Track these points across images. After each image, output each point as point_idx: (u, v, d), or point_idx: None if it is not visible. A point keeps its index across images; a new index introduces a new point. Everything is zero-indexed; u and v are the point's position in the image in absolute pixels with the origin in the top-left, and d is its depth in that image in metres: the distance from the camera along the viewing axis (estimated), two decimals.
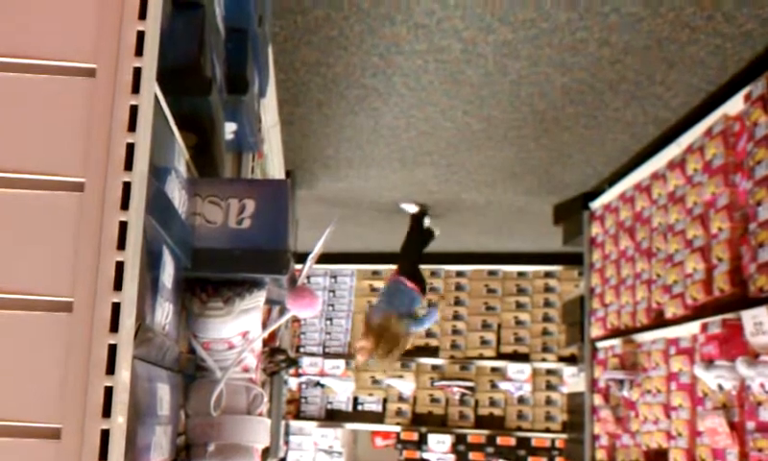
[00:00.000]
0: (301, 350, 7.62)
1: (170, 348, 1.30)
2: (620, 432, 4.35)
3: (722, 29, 3.05)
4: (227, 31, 1.78)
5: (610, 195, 4.72)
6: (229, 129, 1.98)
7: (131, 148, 0.98)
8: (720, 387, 3.20)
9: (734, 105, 3.32)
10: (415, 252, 5.64)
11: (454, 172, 4.96)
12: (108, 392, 0.94)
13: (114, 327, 0.95)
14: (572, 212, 5.29)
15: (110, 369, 0.94)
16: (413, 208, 5.72)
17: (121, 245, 0.96)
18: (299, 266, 1.71)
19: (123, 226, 0.97)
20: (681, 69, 3.41)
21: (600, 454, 4.63)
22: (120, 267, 0.96)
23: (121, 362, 0.94)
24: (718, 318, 3.28)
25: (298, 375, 7.54)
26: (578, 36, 3.17)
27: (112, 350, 0.94)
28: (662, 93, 3.66)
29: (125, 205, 0.97)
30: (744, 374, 3.02)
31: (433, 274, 7.54)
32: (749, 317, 3.03)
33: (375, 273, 7.63)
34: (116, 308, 0.95)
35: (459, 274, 7.53)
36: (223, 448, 1.53)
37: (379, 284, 7.58)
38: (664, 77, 3.49)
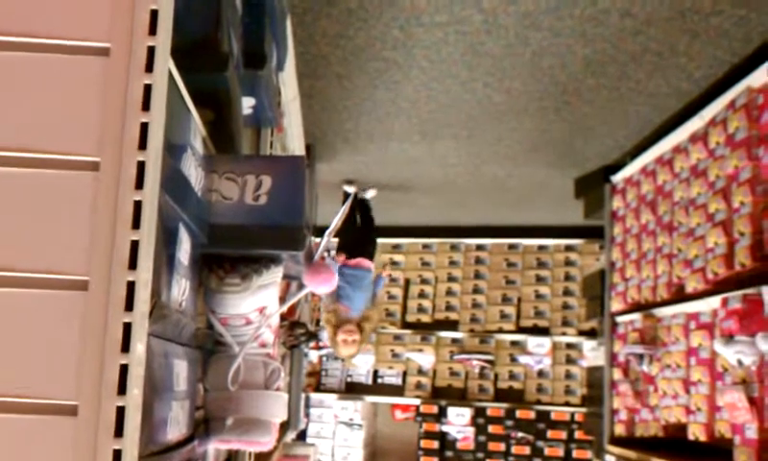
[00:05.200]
0: (321, 323, 7.65)
1: (187, 324, 1.31)
2: (639, 407, 4.35)
3: None
4: (244, 5, 1.77)
5: (631, 168, 4.68)
6: (247, 104, 1.98)
7: (145, 127, 0.98)
8: (740, 362, 3.19)
9: (758, 77, 3.27)
10: (365, 227, 5.62)
11: (474, 144, 4.93)
12: (124, 369, 0.95)
13: (129, 305, 0.96)
14: (593, 186, 5.26)
15: (126, 346, 0.95)
16: (351, 189, 5.71)
17: (136, 224, 0.97)
18: (317, 240, 1.71)
19: (138, 205, 0.97)
20: (704, 40, 3.36)
21: (619, 428, 4.63)
22: (135, 246, 0.96)
23: (136, 340, 0.95)
24: (739, 293, 3.25)
25: (318, 348, 7.58)
26: (600, 7, 3.13)
27: (127, 328, 0.95)
28: (685, 65, 3.61)
29: (139, 184, 0.97)
30: (764, 349, 3.01)
31: (453, 247, 7.54)
32: None
33: (396, 246, 7.63)
34: (131, 287, 0.96)
35: (479, 247, 7.52)
36: (241, 421, 1.54)
37: (399, 258, 7.60)
38: (687, 48, 3.45)
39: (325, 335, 5.89)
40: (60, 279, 0.97)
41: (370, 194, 5.78)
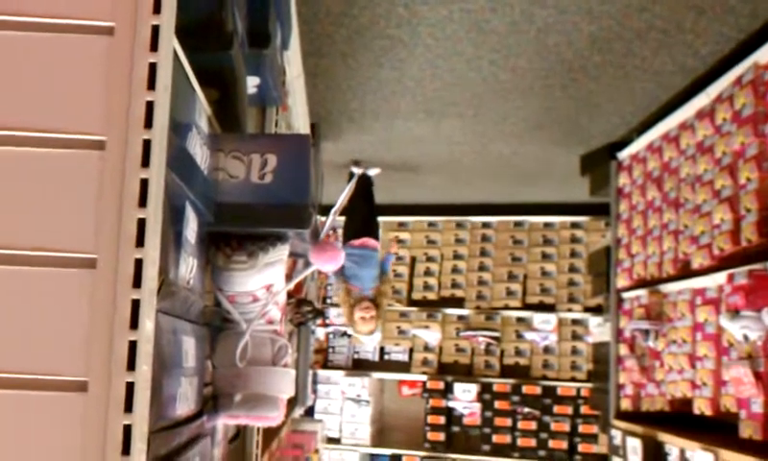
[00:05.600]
0: (328, 300, 7.68)
1: (195, 301, 1.32)
2: (645, 382, 4.37)
3: None
4: None
5: (637, 145, 4.67)
6: (252, 83, 1.98)
7: (150, 106, 0.99)
8: (745, 337, 3.19)
9: (765, 53, 3.25)
10: (367, 207, 5.63)
11: (480, 123, 4.93)
12: (133, 345, 0.96)
13: (137, 282, 0.97)
14: (599, 163, 5.25)
15: (134, 323, 0.96)
16: (358, 170, 5.71)
17: (142, 202, 0.98)
18: (323, 218, 1.72)
19: (144, 183, 0.98)
20: (710, 17, 3.34)
21: (625, 403, 4.65)
22: (142, 224, 0.98)
23: (144, 316, 0.97)
24: (745, 268, 3.25)
25: (325, 325, 7.62)
26: None
27: (136, 304, 0.97)
28: (692, 41, 3.59)
29: (145, 162, 0.99)
30: None
31: (459, 225, 7.55)
32: None
33: (401, 224, 7.64)
34: (139, 264, 0.97)
35: (485, 225, 7.52)
36: (249, 397, 1.56)
37: (405, 236, 7.61)
38: (694, 25, 3.43)
39: (340, 315, 5.93)
40: (67, 256, 0.98)
41: (373, 171, 5.77)
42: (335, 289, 5.35)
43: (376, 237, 5.43)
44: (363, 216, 5.51)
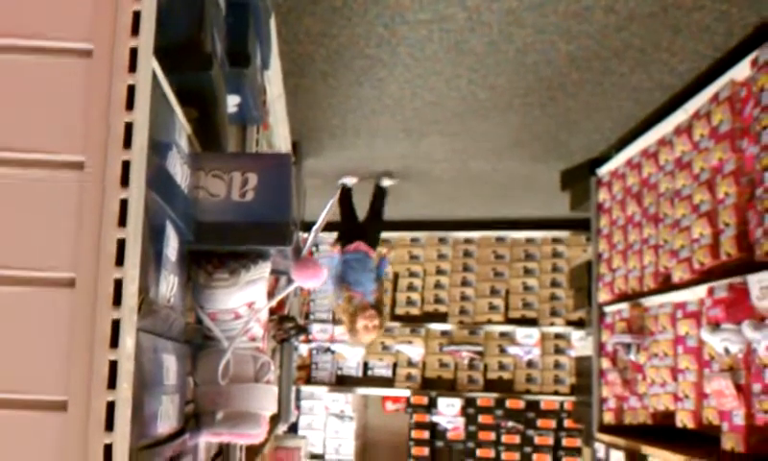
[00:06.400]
0: (311, 316, 7.68)
1: (176, 319, 1.32)
2: (627, 395, 4.39)
3: None
4: (227, 5, 1.79)
5: (617, 161, 4.71)
6: (232, 102, 1.99)
7: (129, 126, 1.00)
8: (726, 350, 3.22)
9: (741, 70, 3.30)
10: (372, 216, 5.63)
11: (460, 141, 4.95)
12: (113, 364, 0.96)
13: (117, 301, 0.97)
14: (579, 179, 5.29)
15: (114, 342, 0.97)
16: (350, 181, 5.71)
17: (122, 222, 0.99)
18: (305, 235, 1.73)
19: (124, 203, 0.99)
20: (686, 35, 3.39)
21: (608, 416, 4.67)
22: (122, 243, 0.98)
23: (124, 335, 0.97)
24: (725, 282, 3.29)
25: (308, 341, 7.61)
26: (583, 4, 3.15)
27: (116, 324, 0.97)
28: (669, 59, 3.64)
29: (125, 182, 0.99)
30: (750, 337, 3.04)
31: (441, 240, 7.57)
32: (755, 281, 3.05)
33: (384, 240, 7.65)
34: (118, 284, 0.98)
35: (467, 240, 7.54)
36: (231, 415, 1.56)
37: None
38: (670, 43, 3.47)
39: (323, 330, 5.84)
40: (47, 276, 0.98)
41: (387, 182, 5.72)
42: (334, 299, 5.28)
43: (372, 242, 5.39)
44: (357, 224, 5.52)
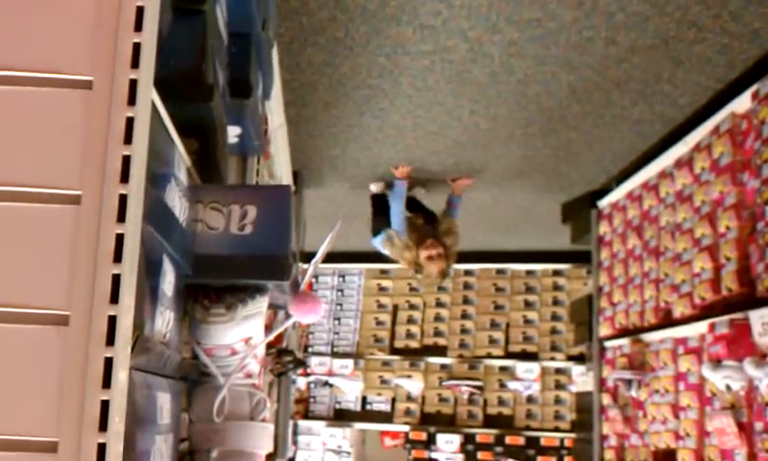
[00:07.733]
0: (310, 349, 7.62)
1: (171, 355, 1.29)
2: (629, 432, 4.34)
3: (729, 27, 3.03)
4: (229, 35, 1.77)
5: (617, 194, 4.70)
6: (233, 133, 1.97)
7: (127, 160, 0.98)
8: (728, 387, 3.19)
9: (742, 103, 3.30)
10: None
11: (461, 171, 4.95)
12: (105, 405, 0.93)
13: (111, 339, 0.95)
14: (580, 211, 5.28)
15: (107, 382, 0.94)
16: (377, 188, 5.36)
17: (117, 257, 0.96)
18: (305, 266, 1.70)
19: (120, 238, 0.96)
20: (687, 68, 3.39)
21: (609, 454, 4.61)
22: (117, 280, 0.96)
23: (117, 375, 0.94)
24: (726, 318, 3.26)
25: (306, 374, 7.54)
26: (584, 35, 3.16)
27: (109, 363, 0.94)
28: (670, 92, 3.64)
29: (121, 217, 0.97)
30: (752, 374, 3.01)
31: None
32: (757, 317, 3.02)
33: (383, 272, 7.61)
34: (113, 321, 0.95)
35: (467, 272, 7.51)
36: (226, 453, 1.53)
37: (387, 283, 7.58)
38: (671, 76, 3.48)
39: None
40: (40, 313, 0.96)
41: (419, 192, 5.46)
42: (389, 249, 4.88)
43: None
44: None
